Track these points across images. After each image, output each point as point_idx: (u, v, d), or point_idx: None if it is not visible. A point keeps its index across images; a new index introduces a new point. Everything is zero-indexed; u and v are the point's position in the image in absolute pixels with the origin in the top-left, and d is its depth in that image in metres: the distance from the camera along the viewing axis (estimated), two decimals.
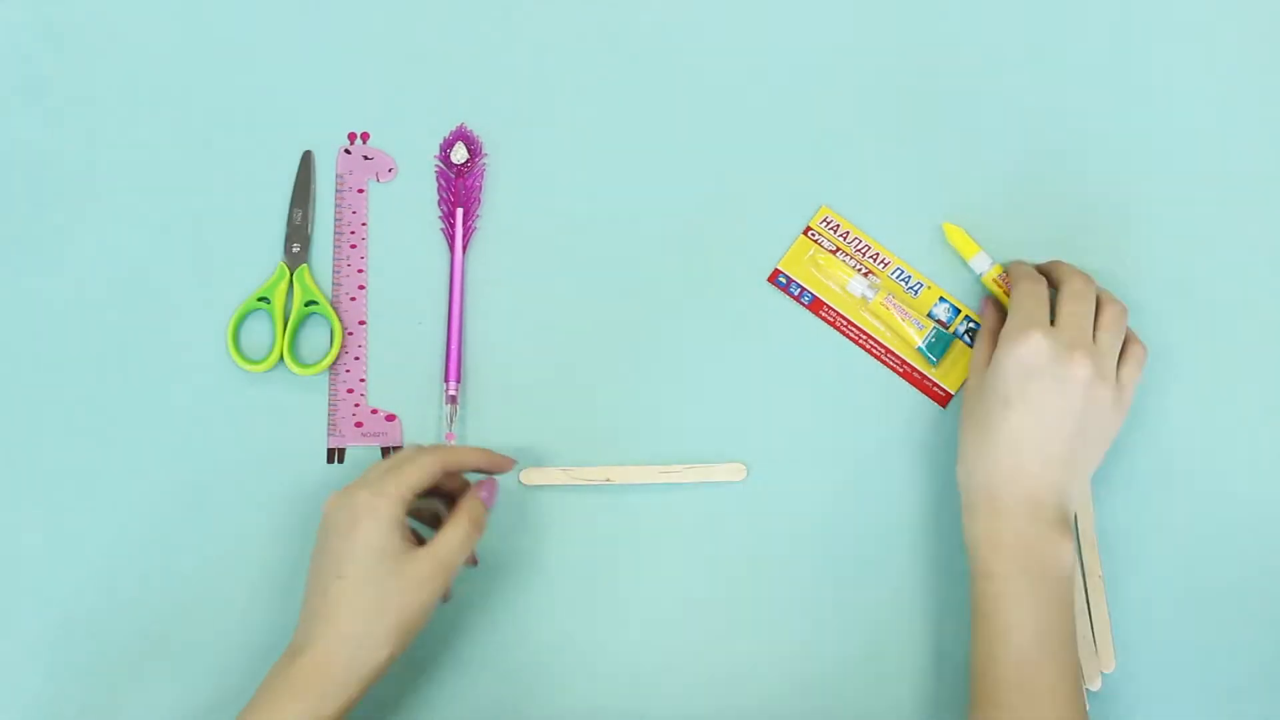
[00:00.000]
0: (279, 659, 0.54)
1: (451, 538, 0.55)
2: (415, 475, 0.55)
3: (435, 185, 0.67)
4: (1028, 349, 0.57)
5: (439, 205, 0.67)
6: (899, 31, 0.71)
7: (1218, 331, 0.66)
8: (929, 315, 0.66)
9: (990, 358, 0.59)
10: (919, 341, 0.65)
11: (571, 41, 0.70)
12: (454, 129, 0.68)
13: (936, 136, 0.69)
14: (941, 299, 0.66)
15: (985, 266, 0.65)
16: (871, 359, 0.66)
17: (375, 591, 0.53)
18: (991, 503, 0.57)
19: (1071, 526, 0.57)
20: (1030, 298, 0.59)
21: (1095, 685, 0.61)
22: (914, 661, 0.61)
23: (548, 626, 0.62)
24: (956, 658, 0.61)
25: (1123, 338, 0.60)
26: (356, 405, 0.64)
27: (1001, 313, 0.62)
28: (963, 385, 0.64)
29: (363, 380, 0.65)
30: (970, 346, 0.65)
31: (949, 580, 0.62)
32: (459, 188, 0.67)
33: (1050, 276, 0.62)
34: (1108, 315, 0.59)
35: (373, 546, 0.53)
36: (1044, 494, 0.56)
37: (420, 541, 0.55)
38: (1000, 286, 0.64)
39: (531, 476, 0.63)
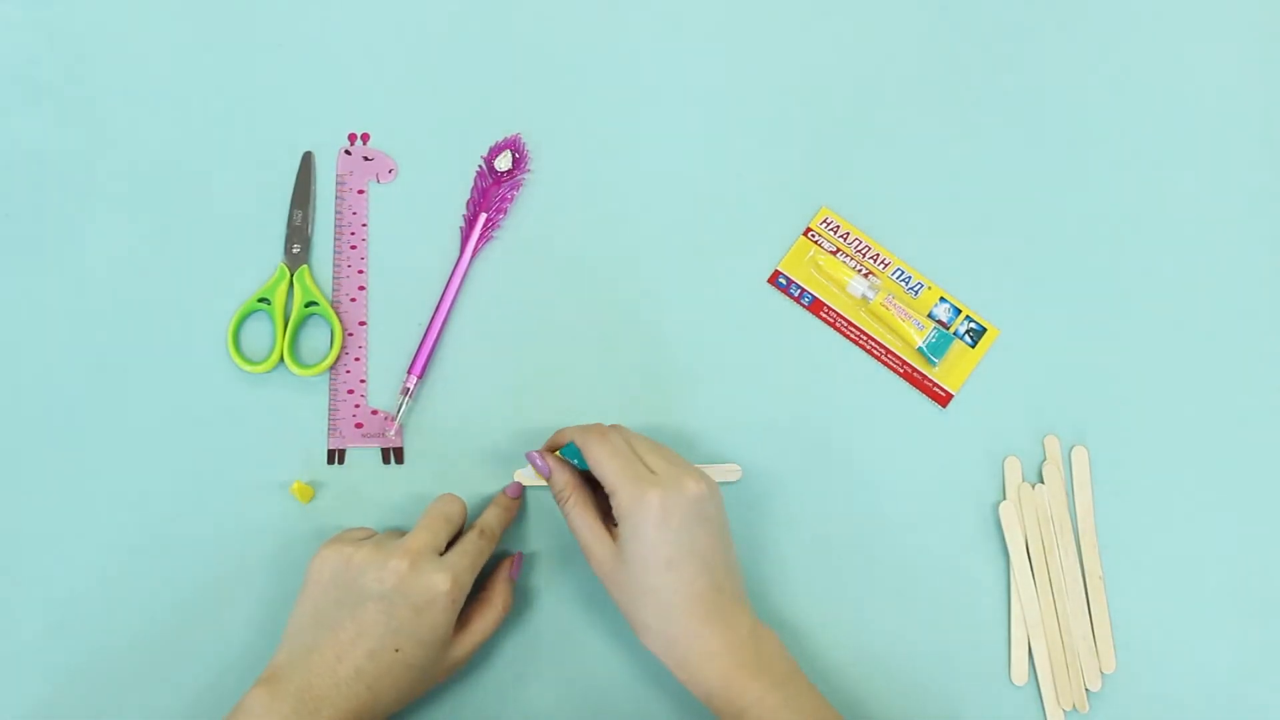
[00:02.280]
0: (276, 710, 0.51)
1: (488, 622, 0.58)
2: (480, 562, 0.57)
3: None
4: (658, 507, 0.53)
5: (467, 205, 0.67)
6: (898, 32, 0.71)
7: (1217, 333, 0.66)
8: (929, 315, 0.66)
9: (605, 534, 0.56)
10: (919, 341, 0.65)
11: (570, 44, 0.70)
12: (507, 136, 0.68)
13: (937, 137, 0.69)
14: (942, 299, 0.66)
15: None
16: (871, 359, 0.66)
17: (421, 673, 0.54)
18: (709, 642, 0.53)
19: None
20: (617, 456, 0.55)
21: (1095, 685, 0.61)
22: (912, 660, 0.61)
23: (548, 626, 0.61)
24: (956, 656, 0.61)
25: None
26: (357, 406, 0.64)
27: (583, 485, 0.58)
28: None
29: (363, 381, 0.65)
30: (972, 347, 0.65)
31: (949, 580, 0.62)
32: (491, 194, 0.67)
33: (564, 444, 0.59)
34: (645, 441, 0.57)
35: (439, 632, 0.54)
36: (730, 605, 0.54)
37: None
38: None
39: (531, 476, 0.63)
